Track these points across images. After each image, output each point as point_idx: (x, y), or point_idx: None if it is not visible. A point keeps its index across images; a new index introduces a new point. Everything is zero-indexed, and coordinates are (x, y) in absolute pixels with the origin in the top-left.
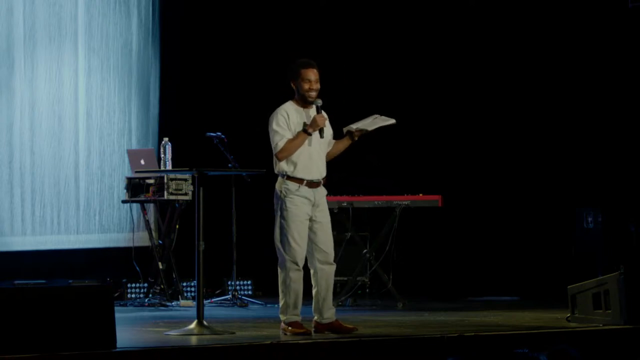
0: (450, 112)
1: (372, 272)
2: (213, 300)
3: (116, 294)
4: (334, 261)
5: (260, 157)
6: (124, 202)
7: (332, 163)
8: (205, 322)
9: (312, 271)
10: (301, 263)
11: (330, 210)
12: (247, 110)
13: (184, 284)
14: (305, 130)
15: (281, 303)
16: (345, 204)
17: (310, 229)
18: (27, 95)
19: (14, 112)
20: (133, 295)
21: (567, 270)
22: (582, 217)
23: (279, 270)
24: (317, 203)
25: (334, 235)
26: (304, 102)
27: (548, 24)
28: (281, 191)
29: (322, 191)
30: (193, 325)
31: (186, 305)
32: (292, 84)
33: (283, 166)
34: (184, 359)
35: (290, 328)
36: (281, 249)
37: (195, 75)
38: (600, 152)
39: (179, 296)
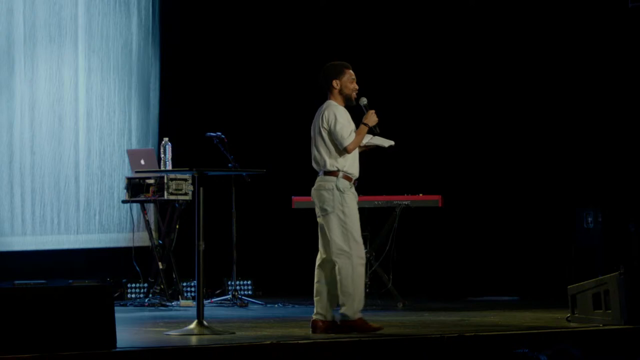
0: (450, 113)
1: (372, 272)
2: (213, 300)
3: (116, 294)
4: None
5: (260, 157)
6: (124, 202)
7: None
8: (205, 322)
9: (322, 265)
10: (364, 257)
11: None
12: (247, 110)
13: (184, 284)
14: (367, 124)
15: (348, 301)
16: None
17: None
18: (27, 95)
19: (14, 112)
20: (133, 295)
21: (567, 270)
22: (582, 217)
23: (340, 268)
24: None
25: None
26: (346, 101)
27: (548, 24)
28: (338, 187)
29: None
30: (193, 325)
31: (186, 305)
32: (334, 83)
33: (340, 162)
34: (184, 359)
35: (361, 324)
36: (343, 247)
37: (195, 75)
38: (599, 152)
39: (179, 296)
